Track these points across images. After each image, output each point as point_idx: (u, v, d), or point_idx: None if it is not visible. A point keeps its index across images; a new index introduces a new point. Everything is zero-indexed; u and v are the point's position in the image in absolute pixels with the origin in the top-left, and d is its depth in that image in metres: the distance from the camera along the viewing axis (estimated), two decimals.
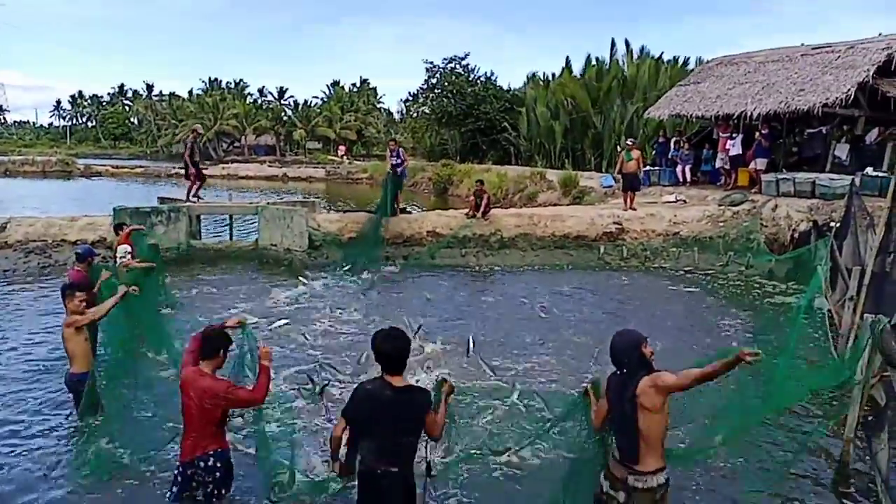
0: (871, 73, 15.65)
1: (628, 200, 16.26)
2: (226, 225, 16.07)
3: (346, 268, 13.36)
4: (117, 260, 9.18)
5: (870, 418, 5.97)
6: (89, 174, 46.72)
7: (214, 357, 4.44)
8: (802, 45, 19.30)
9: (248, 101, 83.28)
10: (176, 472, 4.49)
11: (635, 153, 16.35)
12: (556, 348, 8.89)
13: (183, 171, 16.92)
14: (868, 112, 16.76)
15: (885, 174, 14.24)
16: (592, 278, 13.46)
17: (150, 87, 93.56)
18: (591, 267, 14.39)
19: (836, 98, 15.59)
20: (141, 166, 53.78)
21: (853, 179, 12.27)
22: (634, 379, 3.66)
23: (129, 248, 9.38)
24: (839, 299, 8.71)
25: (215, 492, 4.43)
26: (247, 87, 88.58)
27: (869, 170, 14.97)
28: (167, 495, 4.53)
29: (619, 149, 20.08)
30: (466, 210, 15.72)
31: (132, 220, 13.01)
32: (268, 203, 15.74)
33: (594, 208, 17.41)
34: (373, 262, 13.76)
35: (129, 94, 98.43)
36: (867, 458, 5.60)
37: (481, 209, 15.18)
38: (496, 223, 15.36)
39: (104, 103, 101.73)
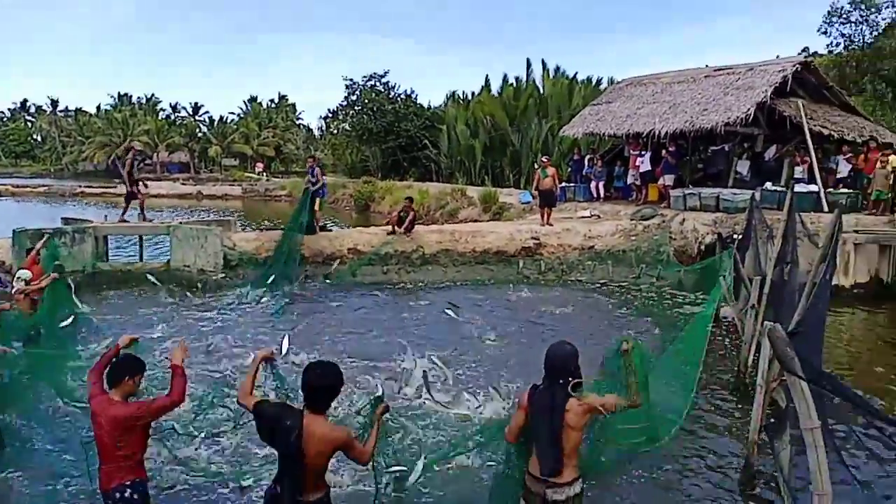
0: (768, 94, 16.62)
1: (545, 216, 16.62)
2: (135, 245, 15.40)
3: (261, 289, 12.99)
4: (13, 286, 8.56)
5: (772, 420, 6.27)
6: None
7: (121, 383, 4.19)
8: (707, 66, 20.36)
9: (160, 117, 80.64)
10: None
11: (550, 170, 16.76)
12: (475, 362, 8.94)
13: (122, 190, 16.29)
14: (766, 130, 17.82)
15: (782, 188, 15.13)
16: (511, 292, 13.61)
17: (54, 103, 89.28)
18: (510, 281, 14.58)
19: (737, 117, 16.47)
20: (45, 185, 51.11)
21: (753, 194, 12.94)
22: (565, 393, 3.69)
23: (30, 275, 8.59)
24: (742, 307, 9.13)
25: None
26: (159, 102, 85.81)
27: (768, 184, 15.89)
28: None
29: (535, 166, 20.55)
30: (388, 226, 15.60)
31: (33, 241, 12.27)
32: (180, 222, 15.19)
33: (513, 224, 17.72)
34: (289, 281, 13.43)
35: (32, 110, 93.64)
36: (772, 458, 5.88)
37: (405, 225, 15.15)
38: (418, 240, 15.37)
39: (4, 119, 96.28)
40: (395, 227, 15.13)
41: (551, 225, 16.35)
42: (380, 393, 5.16)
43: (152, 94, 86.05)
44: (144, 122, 75.13)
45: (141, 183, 15.72)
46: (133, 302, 12.20)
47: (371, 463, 4.16)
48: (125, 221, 15.27)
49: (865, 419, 4.02)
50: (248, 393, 3.93)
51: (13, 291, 8.31)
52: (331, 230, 16.53)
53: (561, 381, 3.71)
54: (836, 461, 4.45)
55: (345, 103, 43.03)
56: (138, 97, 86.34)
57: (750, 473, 5.76)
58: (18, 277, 8.55)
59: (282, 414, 3.67)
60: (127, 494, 4.16)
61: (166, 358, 5.05)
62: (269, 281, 13.18)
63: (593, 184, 20.44)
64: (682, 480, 5.80)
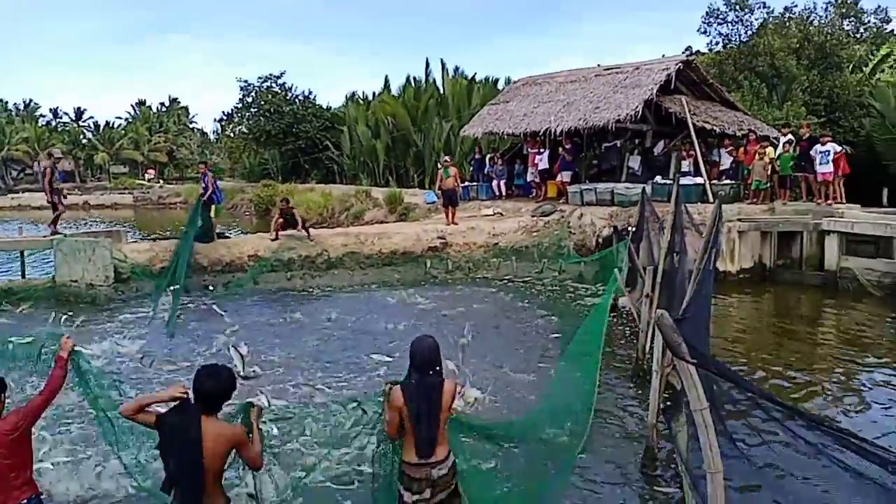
0: (654, 91, 17.43)
1: (450, 215, 16.76)
2: (16, 261, 14.33)
3: (156, 301, 12.40)
4: None
5: (669, 404, 6.57)
6: None
7: None
8: (599, 65, 21.12)
9: (39, 124, 75.55)
10: None
11: (452, 170, 16.92)
12: (360, 364, 8.91)
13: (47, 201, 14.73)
14: (655, 126, 18.68)
15: (671, 181, 15.88)
16: (418, 292, 13.64)
17: None
18: (418, 281, 14.61)
19: (627, 114, 17.16)
20: None
21: (644, 187, 13.56)
22: (440, 379, 4.09)
23: None
24: (638, 297, 9.53)
25: None
26: (38, 108, 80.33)
27: (658, 178, 16.67)
28: None
29: (438, 166, 20.70)
30: (271, 234, 14.92)
31: None
32: (64, 235, 14.28)
33: (419, 224, 17.77)
34: (185, 291, 12.87)
35: None
36: (670, 440, 6.15)
37: (299, 226, 14.84)
38: (322, 243, 15.12)
39: None
40: (278, 233, 14.74)
41: (456, 224, 16.51)
42: (254, 399, 5.05)
43: (30, 100, 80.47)
44: (22, 130, 70.17)
45: (60, 194, 14.57)
46: (17, 322, 11.34)
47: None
48: (57, 233, 14.12)
49: (748, 398, 4.26)
50: (142, 409, 3.69)
51: None
52: (228, 237, 16.02)
53: (431, 371, 4.07)
54: (727, 440, 4.69)
55: (240, 105, 41.80)
56: (14, 103, 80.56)
57: (651, 456, 6.00)
58: None
59: (182, 419, 3.63)
60: None
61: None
62: (164, 290, 12.62)
63: (495, 182, 20.79)
64: (585, 466, 5.97)
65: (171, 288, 12.65)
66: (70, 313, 11.77)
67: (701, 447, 4.02)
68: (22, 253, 14.23)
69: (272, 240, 14.70)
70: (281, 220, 14.91)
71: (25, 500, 3.92)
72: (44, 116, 79.37)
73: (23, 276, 13.98)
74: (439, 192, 17.62)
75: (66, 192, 14.63)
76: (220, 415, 3.75)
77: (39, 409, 4.06)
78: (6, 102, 79.87)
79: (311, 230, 15.47)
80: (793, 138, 15.99)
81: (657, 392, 5.97)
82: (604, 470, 5.94)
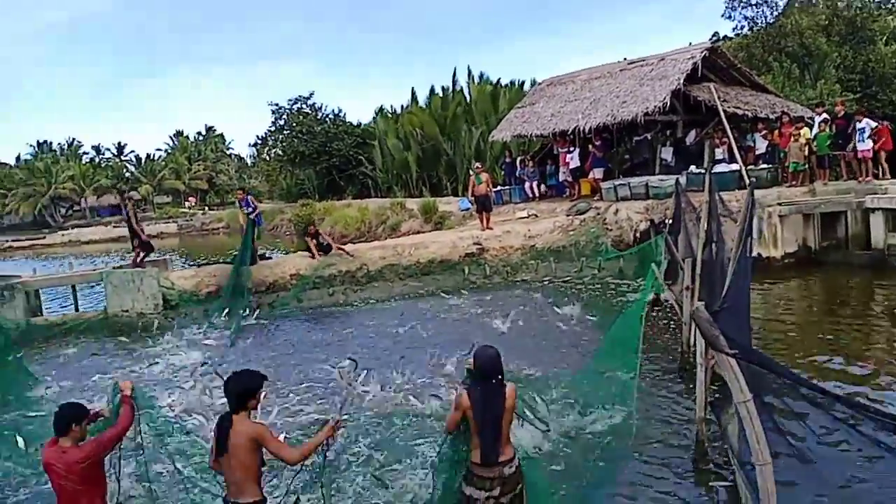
0: (681, 81, 17.25)
1: (484, 221, 16.81)
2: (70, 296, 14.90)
3: (206, 325, 12.75)
4: None
5: (717, 397, 6.52)
6: None
7: (69, 432, 4.29)
8: (625, 59, 20.98)
9: (83, 161, 78.10)
10: None
11: (484, 175, 16.99)
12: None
13: (56, 240, 15.34)
14: (685, 116, 18.48)
15: (705, 171, 15.64)
16: (460, 299, 13.70)
17: None
18: (457, 288, 14.67)
19: (655, 106, 17.02)
20: None
21: (678, 178, 13.40)
22: (501, 385, 4.32)
23: None
24: (679, 289, 9.43)
25: None
26: (81, 146, 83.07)
27: (692, 168, 16.47)
28: None
29: (470, 173, 20.78)
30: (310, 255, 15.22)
31: None
32: (113, 267, 14.77)
33: (454, 232, 17.86)
34: (237, 314, 13.21)
35: None
36: (720, 433, 6.10)
37: (334, 248, 15.14)
38: (361, 257, 15.34)
39: None
40: (318, 255, 15.03)
41: (491, 229, 16.56)
42: (333, 416, 5.28)
43: (73, 139, 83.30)
44: (68, 168, 72.67)
45: (142, 233, 15.00)
46: (73, 355, 11.78)
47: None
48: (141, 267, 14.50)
49: (795, 388, 4.22)
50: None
51: None
52: (270, 258, 16.35)
53: (495, 380, 4.30)
54: (775, 432, 4.65)
55: (273, 128, 42.64)
56: (59, 143, 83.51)
57: (701, 449, 5.95)
58: None
59: (222, 419, 4.20)
60: None
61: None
62: (217, 316, 13.01)
63: (527, 184, 20.79)
64: (636, 462, 5.96)
65: (227, 310, 13.02)
66: (123, 339, 12.22)
67: (748, 439, 3.99)
68: (73, 287, 14.80)
69: (311, 258, 15.01)
70: (314, 242, 15.20)
71: None
72: (87, 154, 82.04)
73: (76, 309, 14.53)
74: (472, 198, 17.70)
75: (142, 228, 15.02)
76: None
77: (111, 442, 4.43)
78: (51, 143, 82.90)
79: (348, 245, 15.72)
80: (828, 117, 15.65)
81: (703, 385, 5.92)
82: (654, 463, 5.92)
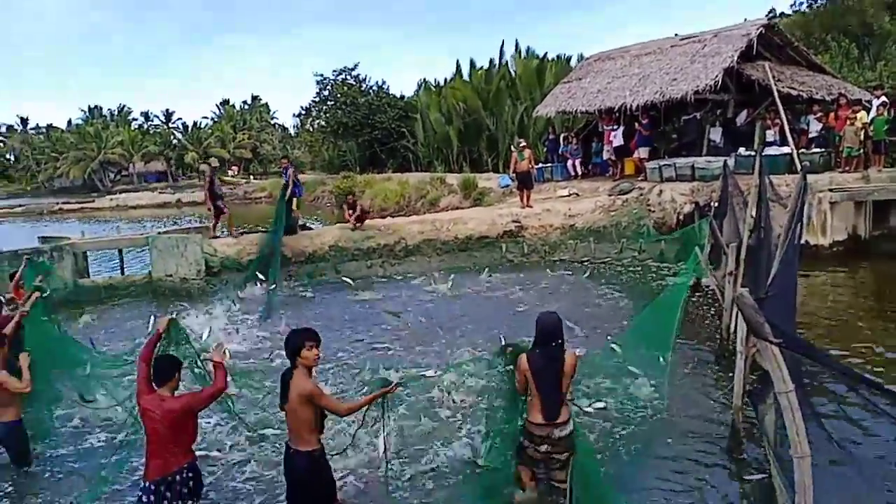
0: (735, 59, 16.69)
1: (524, 198, 16.66)
2: (116, 259, 15.29)
3: (243, 291, 12.96)
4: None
5: (756, 385, 6.37)
6: None
7: (168, 381, 4.84)
8: (676, 35, 20.40)
9: (132, 127, 79.79)
10: (140, 493, 4.75)
11: (527, 152, 16.79)
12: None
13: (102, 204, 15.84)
14: (736, 95, 17.92)
15: (755, 153, 15.21)
16: (497, 276, 13.64)
17: (24, 121, 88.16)
18: (495, 265, 14.61)
19: (706, 85, 16.52)
20: (21, 205, 50.52)
21: (726, 160, 13.04)
22: (561, 350, 4.74)
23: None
24: (723, 275, 9.22)
25: (191, 500, 4.85)
26: (130, 112, 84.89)
27: (742, 150, 15.97)
28: None
29: (512, 149, 20.53)
30: (349, 224, 15.42)
31: (9, 263, 12.20)
32: (158, 232, 15.09)
33: (493, 209, 17.75)
34: (273, 281, 13.37)
35: (3, 129, 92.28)
36: (757, 423, 5.97)
37: (356, 216, 15.22)
38: (399, 231, 15.38)
39: None
40: (355, 224, 15.16)
41: (531, 206, 16.41)
42: (390, 378, 5.96)
43: (123, 105, 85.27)
44: (117, 134, 74.31)
45: (223, 199, 15.36)
46: (120, 317, 12.11)
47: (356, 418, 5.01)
48: (216, 237, 15.04)
49: (840, 380, 4.08)
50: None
51: None
52: (311, 228, 16.49)
53: (554, 343, 4.72)
54: (815, 424, 4.52)
55: (317, 99, 42.79)
56: (109, 109, 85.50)
57: (737, 439, 5.84)
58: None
59: (284, 373, 4.69)
60: (184, 475, 4.78)
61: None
62: (253, 280, 13.20)
63: (570, 162, 20.50)
64: (670, 448, 5.89)
65: (261, 277, 13.19)
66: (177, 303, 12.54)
67: (787, 431, 3.89)
68: (120, 251, 15.18)
69: (352, 229, 15.10)
70: (351, 212, 15.34)
71: (186, 465, 4.79)
72: (136, 120, 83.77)
73: (122, 272, 14.92)
74: (514, 175, 17.53)
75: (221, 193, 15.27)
76: None
77: (207, 400, 4.93)
78: (101, 109, 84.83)
79: (386, 219, 15.73)
80: (886, 100, 15.01)
81: (742, 373, 5.79)
82: (689, 452, 5.83)
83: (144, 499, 4.67)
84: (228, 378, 5.10)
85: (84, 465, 6.26)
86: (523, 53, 36.29)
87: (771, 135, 16.21)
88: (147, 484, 4.69)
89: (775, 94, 16.19)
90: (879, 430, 5.53)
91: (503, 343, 5.17)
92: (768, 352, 4.09)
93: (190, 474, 4.83)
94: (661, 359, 6.72)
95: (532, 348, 4.78)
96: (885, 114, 14.63)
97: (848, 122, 14.85)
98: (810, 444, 3.86)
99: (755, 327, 4.11)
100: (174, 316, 5.53)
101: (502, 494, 4.99)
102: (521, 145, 17.15)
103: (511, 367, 4.92)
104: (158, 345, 5.19)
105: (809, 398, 4.55)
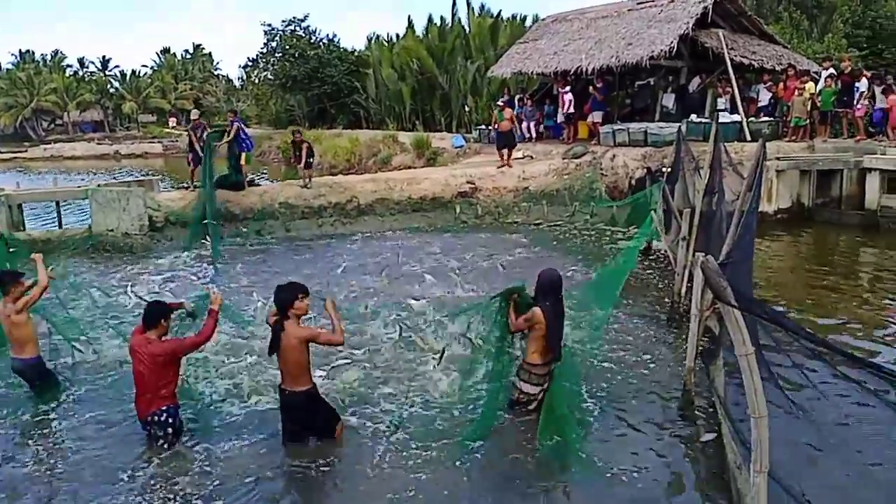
0: (690, 26, 16.75)
1: (505, 157, 16.47)
2: (53, 212, 14.59)
3: (190, 251, 12.60)
4: None
5: (707, 348, 6.52)
6: None
7: (157, 326, 5.22)
8: None
9: (67, 75, 75.71)
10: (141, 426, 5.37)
11: (507, 112, 16.54)
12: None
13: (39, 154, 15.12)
14: (690, 63, 18.06)
15: (707, 120, 15.44)
16: (452, 238, 13.59)
17: None
18: (448, 227, 14.55)
19: (661, 50, 16.57)
20: None
21: (679, 127, 13.17)
22: (562, 301, 5.58)
23: None
24: (674, 239, 9.37)
25: (171, 440, 5.34)
26: (64, 58, 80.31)
27: (693, 116, 16.18)
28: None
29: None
30: (298, 180, 15.21)
31: None
32: (98, 185, 14.44)
33: (448, 169, 17.60)
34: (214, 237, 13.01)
35: None
36: (707, 383, 6.13)
37: (303, 161, 14.81)
38: (352, 189, 15.12)
39: None
40: (297, 164, 15.00)
41: (510, 166, 16.21)
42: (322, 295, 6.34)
43: (57, 51, 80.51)
44: (51, 81, 70.37)
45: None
46: (60, 271, 11.60)
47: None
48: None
49: (797, 341, 4.17)
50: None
51: None
52: (259, 185, 16.06)
53: (558, 297, 5.52)
54: (771, 384, 4.64)
55: (265, 51, 41.29)
56: (42, 54, 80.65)
57: (688, 399, 5.98)
58: None
59: (275, 324, 5.12)
60: (163, 418, 5.25)
61: None
62: (197, 239, 12.84)
63: (524, 124, 20.42)
64: (622, 410, 5.98)
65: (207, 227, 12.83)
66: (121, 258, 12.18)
67: (745, 392, 3.97)
68: (58, 203, 14.47)
69: (301, 186, 14.76)
70: (293, 152, 15.18)
71: (164, 408, 5.23)
72: (71, 66, 79.45)
73: (59, 226, 14.25)
74: (495, 134, 17.25)
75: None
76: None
77: (190, 348, 5.38)
78: (33, 53, 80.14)
79: (339, 176, 15.44)
80: (834, 72, 15.36)
81: (695, 336, 5.90)
82: (642, 412, 5.93)
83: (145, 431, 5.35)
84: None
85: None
86: (476, 11, 35.77)
87: (722, 103, 16.44)
88: (139, 421, 5.35)
89: (728, 62, 16.38)
90: (838, 394, 5.73)
91: (510, 288, 5.66)
92: (730, 316, 4.14)
93: (169, 419, 5.26)
94: (604, 310, 7.10)
95: (541, 301, 5.44)
96: (833, 85, 14.98)
97: (797, 93, 15.15)
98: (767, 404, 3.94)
99: (718, 291, 4.16)
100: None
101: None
102: (501, 105, 16.94)
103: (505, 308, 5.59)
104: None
105: (765, 360, 4.66)
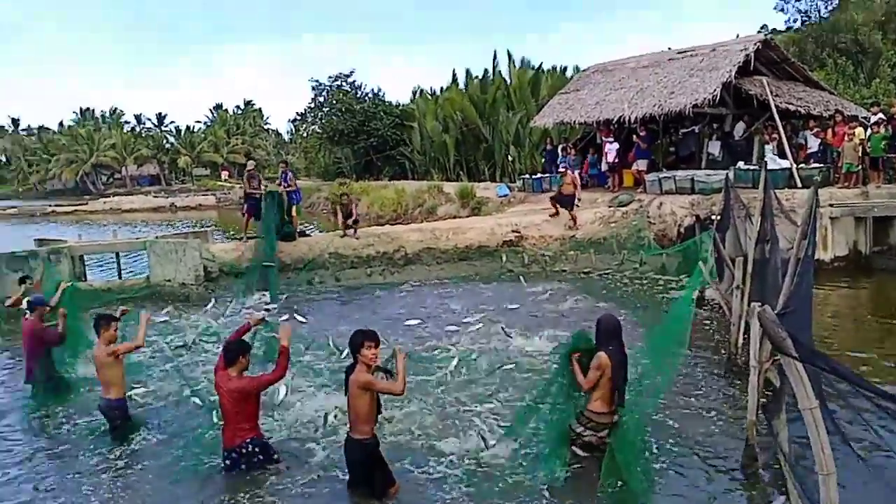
0: (732, 73, 16.78)
1: (568, 216, 16.03)
2: (112, 263, 15.17)
3: (244, 297, 12.88)
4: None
5: (769, 401, 6.36)
6: None
7: (237, 362, 5.57)
8: (669, 49, 20.53)
9: (125, 130, 79.34)
10: (224, 455, 5.71)
11: (568, 177, 16.33)
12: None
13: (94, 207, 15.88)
14: (734, 109, 18.02)
15: (754, 167, 15.30)
16: (497, 287, 13.61)
17: (16, 122, 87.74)
18: (495, 276, 14.58)
19: (704, 98, 16.61)
20: (13, 206, 50.16)
21: (727, 174, 13.09)
22: (623, 346, 5.63)
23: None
24: (727, 288, 9.24)
25: (256, 469, 5.68)
26: (122, 115, 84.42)
27: (741, 163, 16.04)
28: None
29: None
30: (338, 230, 15.46)
31: (7, 266, 12.17)
32: (157, 237, 14.99)
33: (493, 218, 17.73)
34: (270, 288, 13.29)
35: None
36: (770, 438, 5.95)
37: (352, 220, 15.11)
38: (398, 239, 15.34)
39: None
40: (346, 227, 15.13)
41: (577, 227, 15.79)
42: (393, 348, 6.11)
43: (115, 108, 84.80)
44: (110, 137, 73.90)
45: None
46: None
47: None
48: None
49: (862, 395, 4.07)
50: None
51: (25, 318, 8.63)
52: (309, 235, 16.44)
53: (618, 341, 5.56)
54: (837, 440, 4.51)
55: (313, 105, 42.71)
56: (101, 111, 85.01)
57: (751, 455, 5.80)
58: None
59: (348, 368, 5.27)
60: (248, 450, 5.62)
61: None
62: (253, 288, 13.13)
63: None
64: (682, 465, 5.85)
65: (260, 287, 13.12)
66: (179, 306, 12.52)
67: (812, 448, 3.88)
68: (117, 254, 15.05)
69: (341, 236, 15.08)
70: (343, 215, 15.33)
71: (249, 440, 5.62)
72: (128, 123, 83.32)
73: (119, 276, 14.78)
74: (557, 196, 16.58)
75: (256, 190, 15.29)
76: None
77: (267, 384, 5.71)
78: (93, 111, 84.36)
79: (386, 227, 15.69)
80: (883, 117, 15.12)
81: (756, 388, 5.77)
82: (702, 468, 5.79)
83: (227, 461, 5.67)
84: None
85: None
86: (517, 64, 36.41)
87: (769, 149, 16.28)
88: (224, 450, 5.67)
89: (773, 108, 16.30)
90: None
91: (570, 346, 5.79)
92: (791, 368, 4.09)
93: (256, 448, 5.62)
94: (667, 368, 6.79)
95: (604, 346, 5.49)
96: (882, 130, 14.74)
97: (846, 139, 14.94)
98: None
99: (778, 342, 4.11)
100: (264, 317, 6.58)
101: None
102: (563, 169, 17.08)
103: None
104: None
105: (831, 413, 4.54)
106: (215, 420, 6.41)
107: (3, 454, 6.76)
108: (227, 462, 5.67)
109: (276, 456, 5.88)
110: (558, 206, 16.31)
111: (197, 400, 7.41)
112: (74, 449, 6.68)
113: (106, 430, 6.79)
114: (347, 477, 5.52)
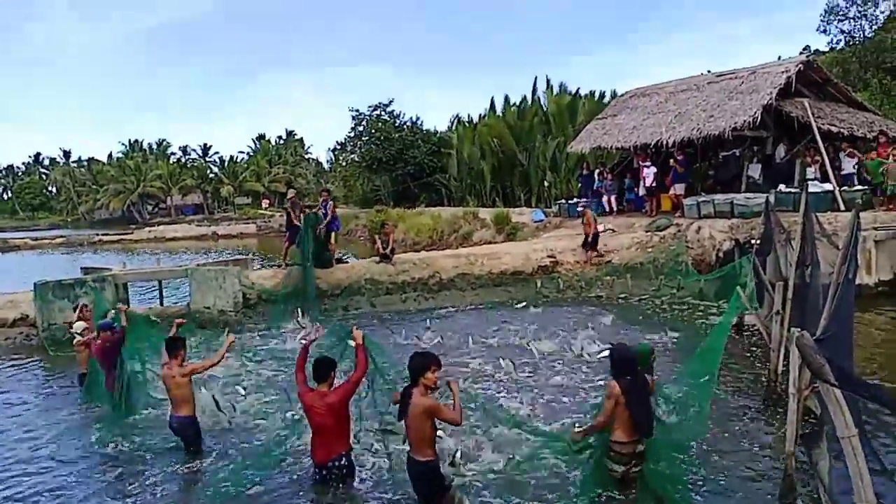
0: (773, 96, 16.57)
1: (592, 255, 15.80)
2: (155, 290, 15.53)
3: (280, 324, 13.06)
4: (75, 337, 9.42)
5: (808, 431, 6.15)
6: (6, 248, 44.56)
7: (326, 379, 5.72)
8: (709, 72, 20.37)
9: (171, 161, 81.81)
10: (314, 471, 5.85)
11: (587, 216, 15.95)
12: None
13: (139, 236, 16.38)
14: (775, 132, 17.73)
15: (796, 190, 14.99)
16: (532, 312, 13.51)
17: (67, 154, 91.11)
18: (529, 301, 14.48)
19: (744, 121, 16.41)
20: (62, 236, 51.83)
21: (767, 197, 12.84)
22: (643, 374, 5.46)
23: (85, 325, 9.49)
24: (767, 314, 9.01)
25: (346, 481, 5.77)
26: (169, 146, 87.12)
27: (782, 187, 15.72)
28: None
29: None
30: (375, 256, 15.58)
31: (55, 294, 12.56)
32: (198, 265, 15.32)
33: (528, 243, 17.69)
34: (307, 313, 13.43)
35: (46, 162, 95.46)
36: (810, 469, 5.75)
37: (389, 249, 15.21)
38: (434, 265, 15.39)
39: (20, 173, 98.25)
40: (382, 257, 15.21)
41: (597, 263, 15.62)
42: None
43: (162, 139, 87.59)
44: (156, 167, 76.28)
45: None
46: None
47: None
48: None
49: None
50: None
51: (74, 343, 9.30)
52: (346, 262, 16.60)
53: (636, 370, 5.39)
54: (876, 469, 4.33)
55: (352, 134, 43.48)
56: (149, 143, 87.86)
57: (789, 485, 5.61)
58: (79, 331, 9.43)
59: (405, 390, 5.31)
60: (342, 462, 5.70)
61: None
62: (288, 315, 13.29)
63: (605, 198, 20.39)
64: (720, 494, 5.69)
65: (300, 311, 13.28)
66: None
67: (851, 477, 3.74)
68: (160, 282, 15.40)
69: (377, 262, 15.18)
70: (381, 243, 15.51)
71: (344, 452, 5.73)
72: (174, 154, 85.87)
73: (161, 303, 15.12)
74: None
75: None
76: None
77: (357, 382, 5.75)
78: (141, 143, 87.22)
79: (421, 253, 15.77)
80: None
81: (795, 417, 5.59)
82: (740, 498, 5.62)
83: (317, 476, 5.77)
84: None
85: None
86: (555, 90, 36.57)
87: (811, 172, 15.96)
88: (315, 466, 5.77)
89: (815, 130, 15.99)
90: None
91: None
92: (829, 395, 3.96)
93: (345, 462, 5.71)
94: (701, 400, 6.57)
95: (619, 376, 5.32)
96: None
97: (891, 160, 14.55)
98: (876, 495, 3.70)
99: (816, 369, 3.99)
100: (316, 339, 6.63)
101: None
102: (580, 210, 16.82)
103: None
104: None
105: (870, 442, 4.37)
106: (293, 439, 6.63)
107: (84, 468, 6.96)
108: (317, 477, 5.80)
109: (355, 473, 6.03)
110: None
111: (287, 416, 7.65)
112: (147, 463, 6.89)
113: (177, 446, 7.02)
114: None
